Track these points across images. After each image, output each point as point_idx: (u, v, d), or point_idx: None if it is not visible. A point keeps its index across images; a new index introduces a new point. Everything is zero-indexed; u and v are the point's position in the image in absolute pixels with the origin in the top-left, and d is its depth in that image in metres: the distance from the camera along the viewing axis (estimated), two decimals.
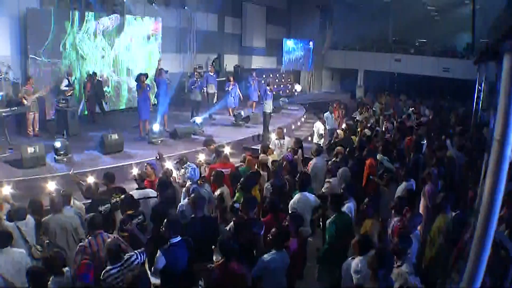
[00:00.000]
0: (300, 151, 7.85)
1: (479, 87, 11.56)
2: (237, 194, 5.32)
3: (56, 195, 4.76)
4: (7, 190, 6.22)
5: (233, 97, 11.83)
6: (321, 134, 10.51)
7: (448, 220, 5.27)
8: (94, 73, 11.13)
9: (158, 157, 6.01)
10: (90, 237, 4.05)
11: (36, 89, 9.44)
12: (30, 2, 10.36)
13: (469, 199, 6.25)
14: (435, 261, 5.17)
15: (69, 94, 10.20)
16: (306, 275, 5.07)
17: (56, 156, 7.57)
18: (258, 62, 18.98)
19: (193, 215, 4.44)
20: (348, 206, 5.25)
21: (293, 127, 11.99)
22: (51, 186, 6.53)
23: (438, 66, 16.94)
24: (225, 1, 16.71)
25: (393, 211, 5.38)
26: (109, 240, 3.72)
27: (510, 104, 2.01)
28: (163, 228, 3.84)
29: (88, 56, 11.60)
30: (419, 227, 5.10)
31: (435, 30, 19.12)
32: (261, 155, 6.79)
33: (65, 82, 10.46)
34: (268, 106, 9.75)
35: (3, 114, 8.26)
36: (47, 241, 4.82)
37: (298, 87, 10.19)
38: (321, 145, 8.11)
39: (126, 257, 3.67)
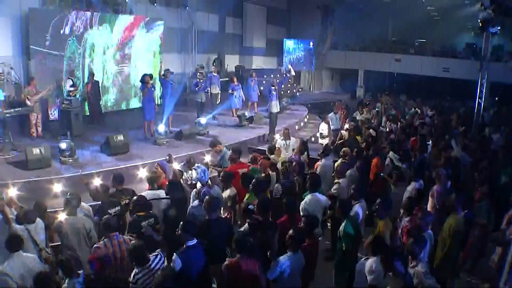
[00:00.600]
0: (305, 152, 7.88)
1: (481, 87, 11.63)
2: (247, 195, 5.31)
3: (71, 196, 4.70)
4: (13, 192, 6.24)
5: (237, 98, 11.79)
6: (325, 134, 10.51)
7: (459, 221, 5.29)
8: (92, 74, 11.06)
9: (168, 159, 5.96)
10: (105, 239, 4.02)
11: (39, 89, 9.38)
12: (32, 2, 10.27)
13: (476, 199, 6.30)
14: (446, 261, 5.19)
15: (73, 94, 10.16)
16: (316, 275, 5.07)
17: (61, 158, 7.50)
18: (258, 62, 18.97)
19: (207, 217, 4.41)
20: (357, 208, 5.26)
21: (296, 127, 11.98)
22: (58, 188, 6.55)
23: (438, 66, 16.99)
24: (226, 1, 16.67)
25: (402, 211, 5.43)
26: (133, 242, 3.67)
27: None
28: (179, 231, 3.81)
29: (90, 56, 11.52)
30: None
31: (435, 30, 19.18)
32: (271, 156, 6.77)
33: (70, 82, 10.40)
34: (275, 107, 9.72)
35: (7, 115, 8.17)
36: (51, 244, 4.81)
37: (292, 72, 10.14)
38: (328, 145, 8.07)
39: (151, 258, 3.66)
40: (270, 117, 9.93)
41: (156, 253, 3.74)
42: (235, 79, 12.03)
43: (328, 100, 16.72)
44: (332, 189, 6.11)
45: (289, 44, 19.04)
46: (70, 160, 7.50)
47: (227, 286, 3.76)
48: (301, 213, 5.16)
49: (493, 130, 10.70)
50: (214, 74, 12.12)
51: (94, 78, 10.95)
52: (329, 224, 6.07)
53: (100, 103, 11.19)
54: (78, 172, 7.07)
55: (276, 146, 8.10)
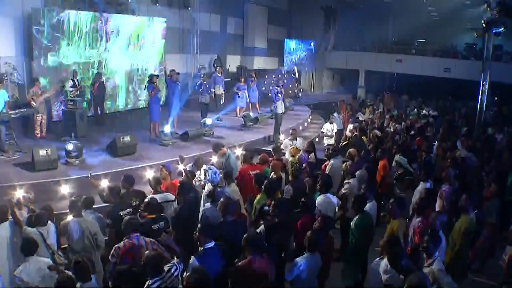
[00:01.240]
0: (313, 152, 7.88)
1: (483, 87, 11.68)
2: (259, 196, 5.30)
3: (77, 198, 4.67)
4: (20, 193, 6.18)
5: (241, 98, 11.78)
6: (329, 135, 10.54)
7: (471, 221, 5.32)
8: (99, 74, 11.01)
9: (180, 160, 5.92)
10: (126, 240, 3.96)
11: (43, 90, 9.32)
12: (34, 2, 10.21)
13: (485, 198, 6.33)
14: (456, 261, 5.21)
15: (74, 95, 10.11)
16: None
17: (68, 159, 7.45)
18: (259, 62, 18.96)
19: (222, 219, 4.39)
20: (370, 206, 5.31)
21: (300, 128, 11.99)
22: (65, 189, 6.50)
23: (439, 66, 17.04)
24: (228, 1, 16.66)
25: (412, 212, 5.45)
26: (147, 252, 3.58)
27: None
28: (197, 233, 3.77)
29: (93, 57, 11.47)
30: None
31: (435, 31, 19.22)
32: (283, 156, 6.76)
33: (70, 83, 10.36)
34: (280, 107, 9.71)
35: (12, 115, 8.11)
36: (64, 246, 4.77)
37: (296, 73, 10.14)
38: (336, 146, 8.08)
39: (166, 268, 3.52)
40: (276, 118, 9.91)
41: (172, 264, 3.62)
42: (242, 80, 12.03)
43: (330, 100, 16.75)
44: (342, 189, 6.11)
45: (290, 44, 19.05)
46: (77, 162, 7.45)
47: (240, 283, 3.72)
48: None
49: (496, 130, 10.77)
50: (218, 74, 12.11)
51: (100, 80, 10.88)
52: (338, 225, 6.07)
53: (104, 104, 11.13)
54: (86, 174, 7.03)
55: (282, 146, 8.12)
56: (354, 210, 5.04)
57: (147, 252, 3.62)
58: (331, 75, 21.55)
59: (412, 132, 10.03)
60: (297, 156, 7.28)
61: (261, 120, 11.47)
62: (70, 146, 7.38)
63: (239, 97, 11.90)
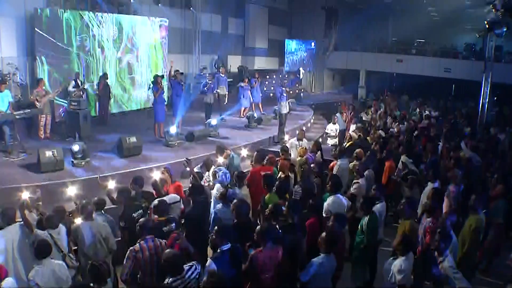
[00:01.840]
0: (319, 152, 7.89)
1: (485, 88, 11.74)
2: (268, 196, 5.30)
3: (87, 201, 4.63)
4: (27, 195, 6.13)
5: (245, 98, 11.78)
6: (332, 135, 10.56)
7: (480, 220, 5.35)
8: (105, 74, 10.97)
9: (186, 163, 5.90)
10: (142, 242, 3.94)
11: (47, 91, 9.26)
12: (36, 2, 10.16)
13: (492, 198, 6.35)
14: (465, 260, 5.24)
15: (76, 95, 10.05)
16: None
17: (73, 160, 7.41)
18: (260, 63, 18.95)
19: (235, 220, 4.38)
20: (378, 207, 5.33)
21: (304, 128, 11.97)
22: (72, 191, 6.45)
23: (439, 66, 17.10)
24: (229, 2, 16.65)
25: (421, 212, 5.47)
26: (167, 251, 3.58)
27: None
28: (213, 235, 3.77)
29: (96, 57, 11.43)
30: None
31: (435, 31, 19.30)
32: (291, 157, 6.76)
33: (72, 83, 10.31)
34: (285, 107, 9.69)
35: (17, 116, 8.06)
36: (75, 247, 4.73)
37: (301, 73, 10.10)
38: (343, 146, 8.09)
39: (186, 268, 3.55)
40: (280, 118, 9.89)
41: (191, 264, 3.63)
42: (246, 80, 12.03)
43: (332, 100, 16.77)
44: (351, 189, 6.13)
45: (290, 44, 19.05)
46: (83, 163, 7.40)
47: (252, 278, 3.77)
48: (324, 214, 5.20)
49: (498, 130, 10.82)
50: (221, 75, 12.10)
51: (106, 81, 10.84)
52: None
53: (109, 104, 11.09)
54: (93, 175, 7.00)
55: (288, 146, 8.12)
56: (363, 211, 5.06)
57: (167, 250, 3.60)
58: (331, 75, 21.58)
59: (416, 132, 10.06)
60: (304, 157, 7.30)
61: (265, 120, 11.46)
62: (76, 147, 7.33)
63: (243, 97, 11.89)
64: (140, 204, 5.14)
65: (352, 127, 10.92)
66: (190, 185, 5.30)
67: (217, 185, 5.57)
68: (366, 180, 6.38)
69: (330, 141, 10.45)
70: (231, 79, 13.72)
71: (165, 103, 9.46)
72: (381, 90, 18.53)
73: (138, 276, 3.91)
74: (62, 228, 4.50)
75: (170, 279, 3.45)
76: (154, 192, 5.43)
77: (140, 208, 5.09)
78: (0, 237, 4.19)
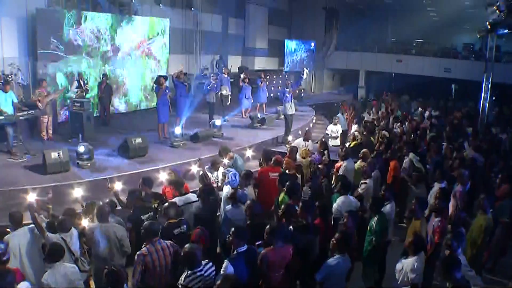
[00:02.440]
0: (326, 153, 7.90)
1: (486, 88, 11.81)
2: (282, 195, 5.31)
3: (104, 203, 4.59)
4: (34, 196, 6.08)
5: (247, 99, 11.76)
6: (333, 136, 10.58)
7: (489, 220, 5.39)
8: (105, 75, 10.92)
9: (198, 164, 5.88)
10: (148, 245, 3.89)
11: (49, 91, 9.21)
12: (38, 2, 10.10)
13: (498, 198, 6.38)
14: (474, 259, 5.28)
15: (78, 96, 10.02)
16: None
17: (79, 161, 7.36)
18: (260, 63, 18.95)
19: (248, 222, 4.38)
20: (387, 208, 5.35)
21: (306, 129, 11.98)
22: (78, 192, 6.42)
23: (439, 66, 17.16)
24: (229, 2, 16.64)
25: (428, 212, 5.50)
26: (187, 245, 3.58)
27: None
28: (230, 237, 3.76)
29: (98, 58, 11.39)
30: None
31: (435, 31, 19.39)
32: (298, 158, 6.77)
33: (75, 84, 10.28)
34: (290, 108, 9.68)
35: (20, 117, 8.00)
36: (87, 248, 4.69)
37: (305, 74, 10.02)
38: (348, 147, 8.10)
39: (204, 263, 3.58)
40: (285, 119, 9.88)
41: (207, 261, 3.65)
42: (246, 80, 12.01)
43: (332, 101, 16.79)
44: (359, 190, 6.14)
45: (290, 45, 19.06)
46: (88, 164, 7.36)
47: (263, 276, 3.78)
48: (333, 215, 5.21)
49: (499, 130, 10.89)
50: (224, 75, 12.07)
51: (107, 81, 10.80)
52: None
53: (110, 105, 11.05)
54: (99, 176, 6.98)
55: (294, 145, 8.13)
56: (372, 211, 5.07)
57: (186, 245, 3.59)
58: (331, 76, 21.60)
59: (418, 132, 10.10)
60: (308, 158, 7.30)
61: (268, 121, 11.46)
62: (81, 149, 7.29)
63: (245, 97, 11.88)
64: (150, 206, 5.13)
65: (354, 127, 10.94)
66: (201, 186, 5.27)
67: (227, 186, 5.56)
68: (374, 181, 6.40)
69: (331, 142, 10.44)
70: (232, 79, 13.67)
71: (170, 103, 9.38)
72: (381, 90, 18.58)
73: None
74: (74, 231, 4.44)
75: (189, 271, 3.46)
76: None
77: (150, 210, 5.08)
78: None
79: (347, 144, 9.98)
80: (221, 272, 3.61)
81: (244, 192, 5.16)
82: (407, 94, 17.79)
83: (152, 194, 5.42)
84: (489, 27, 9.51)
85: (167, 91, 9.10)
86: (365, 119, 12.39)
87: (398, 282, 4.30)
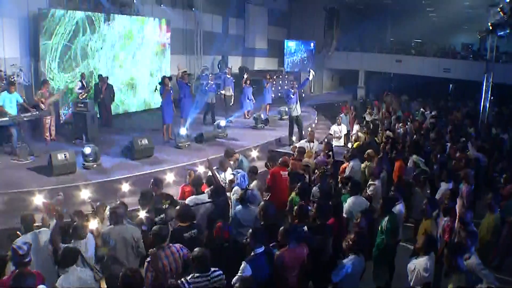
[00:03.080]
0: (331, 153, 7.93)
1: (487, 88, 11.91)
2: (292, 195, 5.33)
3: (118, 205, 4.56)
4: (39, 199, 6.05)
5: (249, 100, 11.77)
6: (336, 136, 10.61)
7: (497, 219, 5.45)
8: (106, 76, 10.87)
9: (207, 165, 5.88)
10: (158, 250, 3.83)
11: (51, 92, 9.15)
12: (39, 3, 10.03)
13: (505, 197, 6.44)
14: (483, 258, 5.32)
15: (82, 97, 9.98)
16: None
17: (85, 163, 7.33)
18: (260, 63, 18.95)
19: (262, 223, 4.39)
20: (399, 207, 5.40)
21: (309, 129, 12.00)
22: (85, 194, 6.40)
23: (438, 66, 17.25)
24: (229, 2, 16.64)
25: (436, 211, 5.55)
26: (198, 249, 3.56)
27: None
28: (247, 238, 3.77)
29: (99, 58, 11.34)
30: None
31: (435, 31, 19.50)
32: (305, 158, 6.79)
33: (79, 85, 10.23)
34: (295, 110, 9.68)
35: (24, 119, 7.95)
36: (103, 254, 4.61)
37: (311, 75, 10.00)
38: (354, 147, 8.13)
39: (212, 269, 3.53)
40: (289, 120, 9.89)
41: (217, 269, 3.59)
42: (248, 82, 12.02)
43: (332, 101, 16.82)
44: (368, 191, 6.17)
45: (290, 45, 19.07)
46: (94, 165, 7.33)
47: (279, 277, 3.79)
48: (344, 215, 5.24)
49: (500, 130, 10.97)
50: (227, 76, 12.06)
51: (107, 81, 10.75)
52: None
53: (112, 105, 11.00)
54: (107, 178, 6.96)
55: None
56: (383, 211, 5.11)
57: (196, 248, 3.56)
58: (330, 76, 21.63)
59: (422, 132, 10.15)
60: (311, 160, 7.32)
61: (271, 122, 11.47)
62: (87, 150, 7.26)
63: (247, 99, 11.88)
64: (161, 207, 5.11)
65: (355, 127, 10.97)
66: (212, 187, 5.27)
67: (236, 188, 5.57)
68: (382, 181, 6.44)
69: (335, 142, 10.46)
70: (234, 80, 13.67)
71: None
72: (380, 90, 18.64)
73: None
74: (90, 238, 4.29)
75: (196, 274, 3.44)
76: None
77: (162, 212, 5.06)
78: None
79: (349, 145, 10.07)
80: (239, 273, 3.62)
81: (253, 193, 5.17)
82: (406, 94, 17.86)
83: (162, 195, 5.41)
84: (490, 28, 9.57)
85: (170, 92, 9.07)
86: (366, 119, 12.45)
87: (411, 284, 4.33)
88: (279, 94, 16.78)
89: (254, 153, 8.60)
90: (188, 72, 10.29)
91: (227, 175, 6.40)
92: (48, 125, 9.01)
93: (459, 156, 8.00)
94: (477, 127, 11.63)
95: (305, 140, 8.36)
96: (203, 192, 5.28)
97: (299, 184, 5.18)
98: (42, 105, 8.64)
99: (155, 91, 9.96)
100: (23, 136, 8.13)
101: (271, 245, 4.09)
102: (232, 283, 3.60)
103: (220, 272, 3.56)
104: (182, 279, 3.47)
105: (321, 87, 21.18)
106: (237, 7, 17.39)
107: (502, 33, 9.75)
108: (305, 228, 4.36)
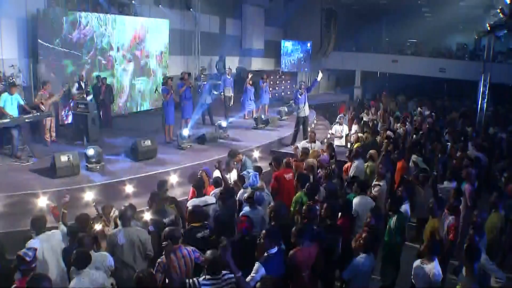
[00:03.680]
0: (333, 154, 7.97)
1: (484, 88, 12.05)
2: (298, 194, 5.37)
3: (126, 207, 4.55)
4: (43, 201, 6.00)
5: (250, 101, 11.78)
6: (337, 136, 10.66)
7: (501, 217, 5.54)
8: (105, 77, 10.81)
9: (218, 166, 5.88)
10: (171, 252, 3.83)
11: (51, 93, 9.07)
12: (37, 3, 9.94)
13: (509, 195, 6.53)
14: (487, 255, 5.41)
15: (79, 97, 9.88)
16: None
17: (88, 164, 7.28)
18: (257, 63, 18.95)
19: (273, 223, 4.40)
20: (406, 207, 5.47)
21: (308, 129, 12.05)
22: (89, 196, 6.36)
23: (434, 66, 17.39)
24: (226, 2, 16.62)
25: (446, 210, 5.62)
26: (209, 251, 3.55)
27: None
28: (261, 239, 3.78)
29: (98, 59, 11.26)
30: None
31: (430, 31, 19.64)
32: (309, 159, 6.82)
33: (76, 85, 10.15)
34: (302, 110, 9.69)
35: (26, 120, 7.88)
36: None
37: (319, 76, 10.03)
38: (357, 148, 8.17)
39: (223, 272, 3.52)
40: (297, 120, 9.89)
41: (228, 271, 3.57)
42: (250, 82, 12.03)
43: (330, 101, 16.88)
44: (373, 191, 6.21)
45: (287, 45, 19.09)
46: (98, 167, 7.29)
47: (292, 277, 3.83)
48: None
49: (498, 129, 11.12)
50: (227, 76, 12.05)
51: (106, 82, 10.69)
52: None
53: (111, 106, 10.94)
54: (111, 180, 6.92)
55: (300, 148, 8.16)
56: (392, 211, 5.17)
57: (209, 251, 3.54)
58: (326, 76, 21.69)
59: (421, 132, 10.25)
60: (315, 160, 7.35)
61: (272, 122, 11.49)
62: (91, 152, 7.21)
63: (250, 100, 11.89)
64: (164, 209, 5.11)
65: (354, 127, 11.03)
66: (222, 188, 5.28)
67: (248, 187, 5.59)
68: (387, 181, 6.50)
69: (336, 142, 10.51)
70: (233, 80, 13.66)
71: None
72: (376, 90, 18.76)
73: None
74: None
75: (207, 276, 3.44)
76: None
77: (169, 213, 5.06)
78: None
79: (348, 144, 10.13)
80: (253, 274, 3.62)
81: (261, 194, 5.19)
82: (402, 94, 18.00)
83: (169, 198, 5.42)
84: (488, 28, 9.69)
85: (172, 92, 9.05)
86: (364, 119, 12.52)
87: (416, 283, 4.36)
88: (276, 95, 16.86)
89: (256, 154, 8.61)
90: (189, 72, 10.23)
91: (232, 176, 6.43)
92: (48, 126, 8.93)
93: (460, 155, 8.10)
94: (474, 127, 11.77)
95: (306, 141, 8.38)
96: (205, 195, 5.27)
97: (307, 184, 5.20)
98: (42, 106, 8.56)
99: (155, 92, 9.94)
100: (23, 137, 8.05)
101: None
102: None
103: (232, 275, 3.54)
104: (194, 279, 3.47)
105: (318, 87, 21.21)
106: (234, 8, 17.38)
107: (500, 33, 9.87)
108: (315, 227, 4.39)
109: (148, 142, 7.86)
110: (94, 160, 7.27)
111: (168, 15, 13.73)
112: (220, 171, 5.66)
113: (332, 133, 10.81)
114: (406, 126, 10.45)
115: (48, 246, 4.21)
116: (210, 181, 5.83)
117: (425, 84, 19.18)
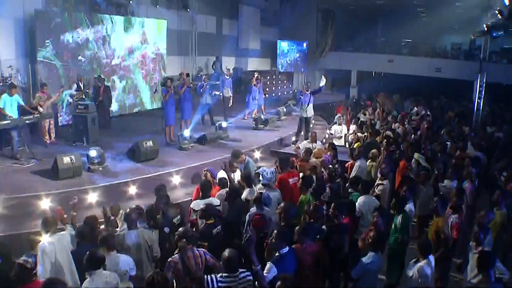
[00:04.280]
0: (334, 153, 8.01)
1: (480, 88, 12.20)
2: (304, 197, 5.40)
3: (131, 209, 4.55)
4: (45, 204, 5.96)
5: (254, 100, 11.80)
6: (337, 136, 10.73)
7: (504, 216, 5.61)
8: (104, 78, 10.74)
9: (224, 166, 5.89)
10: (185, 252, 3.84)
11: (49, 95, 9.00)
12: (35, 4, 9.85)
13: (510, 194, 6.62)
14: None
15: (77, 98, 9.80)
16: None
17: (90, 166, 7.24)
18: (253, 64, 18.97)
19: (282, 223, 4.43)
20: (410, 206, 5.53)
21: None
22: (93, 197, 6.34)
23: (430, 66, 17.51)
24: (223, 3, 16.60)
25: (449, 209, 5.68)
26: (228, 250, 3.55)
27: None
28: (273, 239, 3.80)
29: (97, 59, 11.19)
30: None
31: (423, 30, 19.78)
32: (312, 159, 6.85)
33: (74, 86, 10.08)
34: (304, 111, 9.73)
35: (26, 121, 7.80)
36: None
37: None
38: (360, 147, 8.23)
39: (240, 270, 3.54)
40: (300, 121, 9.91)
41: (245, 270, 3.60)
42: (253, 83, 12.04)
43: (327, 101, 16.93)
44: (376, 191, 6.27)
45: (283, 45, 19.12)
46: (100, 168, 7.25)
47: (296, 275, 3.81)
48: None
49: (495, 128, 11.26)
50: (226, 77, 12.04)
51: (105, 83, 10.63)
52: None
53: (110, 107, 10.87)
54: (114, 181, 6.88)
55: (301, 148, 8.20)
56: (396, 210, 5.23)
57: (227, 249, 3.55)
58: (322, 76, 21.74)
59: (419, 132, 10.35)
60: (318, 160, 7.39)
61: (271, 122, 11.52)
62: (93, 153, 7.17)
63: (254, 99, 11.90)
64: (179, 210, 5.12)
65: (352, 127, 11.10)
66: (229, 189, 5.29)
67: (259, 186, 5.60)
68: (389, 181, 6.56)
69: (336, 142, 10.56)
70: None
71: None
72: (372, 90, 18.87)
73: None
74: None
75: (224, 274, 3.46)
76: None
77: (178, 213, 5.07)
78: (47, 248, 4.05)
79: (346, 144, 10.19)
80: (265, 274, 3.63)
81: (269, 195, 5.20)
82: (398, 94, 18.13)
83: (173, 206, 5.41)
84: (485, 29, 9.81)
85: (173, 93, 9.02)
86: (361, 119, 12.60)
87: (419, 283, 4.40)
88: (273, 95, 16.89)
89: (257, 154, 8.64)
90: (188, 73, 10.20)
91: (235, 177, 6.43)
92: (47, 128, 8.85)
93: (460, 155, 8.20)
94: (471, 126, 11.91)
95: (308, 141, 8.42)
96: (209, 197, 5.27)
97: (314, 185, 5.24)
98: (40, 108, 8.48)
99: (155, 92, 9.90)
100: (23, 139, 7.98)
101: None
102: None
103: (249, 273, 3.56)
104: (211, 275, 3.49)
105: (313, 87, 21.28)
106: (230, 8, 17.37)
107: (496, 34, 9.99)
108: (324, 227, 4.43)
109: (150, 143, 7.83)
110: (96, 161, 7.22)
111: (165, 15, 13.69)
112: (227, 172, 5.66)
113: (332, 134, 10.87)
114: (406, 126, 10.54)
115: (61, 247, 4.19)
116: (214, 181, 5.81)
117: (421, 83, 19.33)
